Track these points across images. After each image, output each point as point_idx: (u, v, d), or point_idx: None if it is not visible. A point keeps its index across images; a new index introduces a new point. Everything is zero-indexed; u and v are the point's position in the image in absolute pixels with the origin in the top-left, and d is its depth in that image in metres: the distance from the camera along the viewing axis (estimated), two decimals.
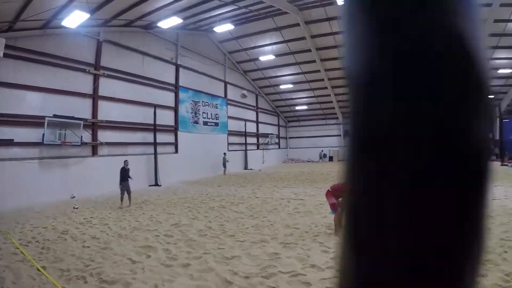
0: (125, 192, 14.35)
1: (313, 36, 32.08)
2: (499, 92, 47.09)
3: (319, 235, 8.65)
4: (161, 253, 7.53)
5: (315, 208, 12.49)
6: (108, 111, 20.36)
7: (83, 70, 19.15)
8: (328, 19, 30.08)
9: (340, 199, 8.57)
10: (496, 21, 32.68)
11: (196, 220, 11.23)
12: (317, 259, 6.72)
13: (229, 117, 33.50)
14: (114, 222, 11.16)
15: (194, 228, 9.95)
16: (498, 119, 43.62)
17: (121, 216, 12.28)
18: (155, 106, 22.75)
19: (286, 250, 7.47)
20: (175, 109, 26.33)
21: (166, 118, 24.97)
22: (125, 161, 14.92)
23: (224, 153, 29.95)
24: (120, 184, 14.41)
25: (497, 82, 44.83)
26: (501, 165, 32.90)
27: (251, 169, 35.27)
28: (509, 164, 33.86)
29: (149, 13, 20.64)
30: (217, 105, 31.14)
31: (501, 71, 41.28)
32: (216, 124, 30.83)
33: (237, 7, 23.94)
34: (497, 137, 44.38)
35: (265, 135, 42.15)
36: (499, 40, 36.36)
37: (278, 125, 47.97)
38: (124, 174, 14.50)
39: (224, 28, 25.00)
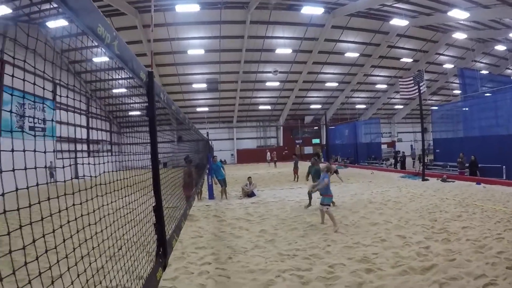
0: None
1: (149, 40, 31.62)
2: (326, 103, 51.96)
3: None
4: None
5: None
6: None
7: None
8: (167, 25, 30.10)
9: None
10: (326, 40, 35.96)
11: None
12: None
13: (58, 122, 30.57)
14: None
15: None
16: (324, 127, 48.00)
17: None
18: None
19: None
20: None
21: None
22: None
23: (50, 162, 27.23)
24: None
25: (324, 94, 49.32)
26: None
27: (82, 177, 32.73)
28: (335, 165, 37.08)
29: None
30: (45, 108, 27.96)
31: (327, 84, 45.40)
32: (44, 129, 27.92)
33: (56, 7, 22.29)
34: (324, 142, 49.42)
35: (97, 142, 40.12)
36: (328, 57, 39.98)
37: (111, 131, 46.10)
38: None
39: (57, 23, 22.80)
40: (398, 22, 31.93)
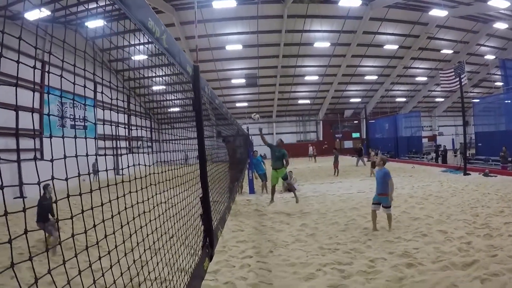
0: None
1: (187, 37, 32.06)
2: (366, 96, 51.33)
3: None
4: None
5: None
6: None
7: None
8: (205, 21, 30.39)
9: None
10: (365, 32, 35.48)
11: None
12: None
13: (99, 120, 31.19)
14: None
15: None
16: (364, 121, 47.43)
17: None
18: (17, 108, 20.22)
19: None
20: (40, 111, 23.82)
21: (29, 121, 21.42)
22: (47, 187, 8.34)
23: (95, 159, 27.66)
24: (40, 222, 8.18)
25: (364, 87, 48.71)
26: (367, 161, 33.12)
27: (123, 174, 33.43)
28: None
29: (15, 2, 18.87)
30: (86, 107, 28.51)
31: (367, 77, 44.85)
32: (85, 128, 28.48)
33: (111, 2, 22.88)
34: (364, 136, 48.79)
35: (137, 139, 40.86)
36: (366, 50, 39.44)
37: (151, 128, 46.94)
38: (45, 208, 8.34)
39: (95, 24, 23.47)
40: (437, 12, 31.18)
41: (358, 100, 53.45)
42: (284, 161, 13.48)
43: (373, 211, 9.30)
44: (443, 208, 11.37)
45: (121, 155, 3.09)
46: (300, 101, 52.64)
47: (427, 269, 6.23)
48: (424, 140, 44.49)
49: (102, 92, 2.29)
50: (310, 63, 42.40)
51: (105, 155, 2.60)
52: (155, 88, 37.49)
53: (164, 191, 3.45)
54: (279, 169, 13.50)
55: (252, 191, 17.37)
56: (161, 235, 3.21)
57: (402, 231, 8.77)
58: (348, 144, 56.61)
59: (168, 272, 3.23)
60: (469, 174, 20.36)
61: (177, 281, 3.23)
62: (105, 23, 22.73)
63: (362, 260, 6.91)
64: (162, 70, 3.59)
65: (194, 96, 3.90)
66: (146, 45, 3.01)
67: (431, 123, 59.61)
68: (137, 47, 3.04)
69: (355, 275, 6.20)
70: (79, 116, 27.26)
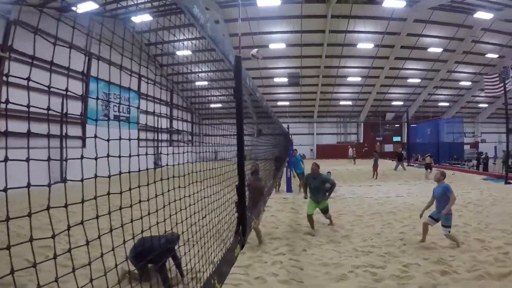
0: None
1: (231, 35, 32.29)
2: (408, 100, 50.38)
3: None
4: None
5: None
6: (10, 98, 18.52)
7: None
8: (249, 19, 30.54)
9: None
10: (409, 34, 34.84)
11: None
12: None
13: (141, 112, 31.46)
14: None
15: None
16: (406, 124, 46.65)
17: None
18: (63, 96, 20.67)
19: None
20: (85, 101, 24.57)
21: (74, 109, 22.71)
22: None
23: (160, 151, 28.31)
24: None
25: (406, 90, 47.82)
26: (407, 165, 33.02)
27: (161, 166, 34.11)
28: (415, 165, 35.60)
29: None
30: (129, 99, 29.01)
31: (410, 80, 44.03)
32: (127, 119, 28.98)
33: None
34: (405, 140, 47.93)
35: (178, 132, 41.49)
36: (410, 52, 38.71)
37: (192, 122, 47.53)
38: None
39: (141, 18, 23.94)
40: (483, 15, 30.43)
41: (400, 103, 52.37)
42: (327, 187, 10.62)
43: (425, 224, 8.44)
44: (482, 217, 11.09)
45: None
46: (342, 102, 52.14)
47: (461, 277, 6.14)
48: (466, 147, 43.28)
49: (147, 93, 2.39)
50: (353, 64, 41.92)
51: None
52: (198, 83, 37.92)
53: (198, 182, 3.57)
54: (321, 202, 10.03)
55: (289, 189, 17.40)
56: (195, 222, 3.32)
57: (438, 238, 8.61)
58: (388, 147, 55.62)
59: (199, 260, 3.33)
60: (511, 183, 19.73)
61: (207, 268, 3.32)
62: (152, 17, 23.11)
63: (395, 264, 6.87)
64: (204, 58, 3.75)
65: (235, 85, 4.01)
66: (191, 41, 3.13)
67: (473, 129, 57.70)
68: (182, 41, 3.18)
69: (387, 279, 6.18)
70: (123, 107, 27.87)
